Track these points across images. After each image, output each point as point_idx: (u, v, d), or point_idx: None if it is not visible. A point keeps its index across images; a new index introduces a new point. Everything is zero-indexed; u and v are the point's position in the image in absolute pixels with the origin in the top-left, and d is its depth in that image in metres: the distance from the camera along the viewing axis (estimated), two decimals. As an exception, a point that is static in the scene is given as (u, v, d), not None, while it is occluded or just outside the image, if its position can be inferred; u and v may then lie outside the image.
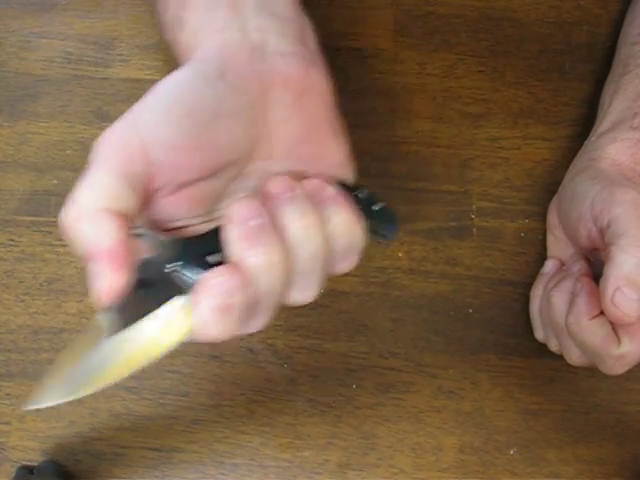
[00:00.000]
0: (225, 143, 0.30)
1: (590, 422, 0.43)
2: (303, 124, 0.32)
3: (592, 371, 0.38)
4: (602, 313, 0.36)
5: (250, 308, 0.28)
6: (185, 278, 0.28)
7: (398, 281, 0.45)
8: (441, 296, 0.45)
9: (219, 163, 0.30)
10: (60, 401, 0.28)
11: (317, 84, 0.32)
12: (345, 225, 0.30)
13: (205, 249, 0.29)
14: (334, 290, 0.44)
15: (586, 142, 0.45)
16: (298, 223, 0.29)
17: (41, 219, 0.45)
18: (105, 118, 0.46)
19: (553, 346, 0.41)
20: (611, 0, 0.52)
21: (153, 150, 0.28)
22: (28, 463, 0.40)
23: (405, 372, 0.43)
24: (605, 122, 0.43)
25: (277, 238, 0.28)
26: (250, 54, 0.30)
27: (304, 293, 0.31)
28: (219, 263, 0.28)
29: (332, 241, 0.30)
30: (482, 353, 0.44)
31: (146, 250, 0.29)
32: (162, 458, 0.41)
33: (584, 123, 0.48)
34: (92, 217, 0.26)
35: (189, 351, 0.43)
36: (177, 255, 0.28)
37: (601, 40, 0.51)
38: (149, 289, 0.28)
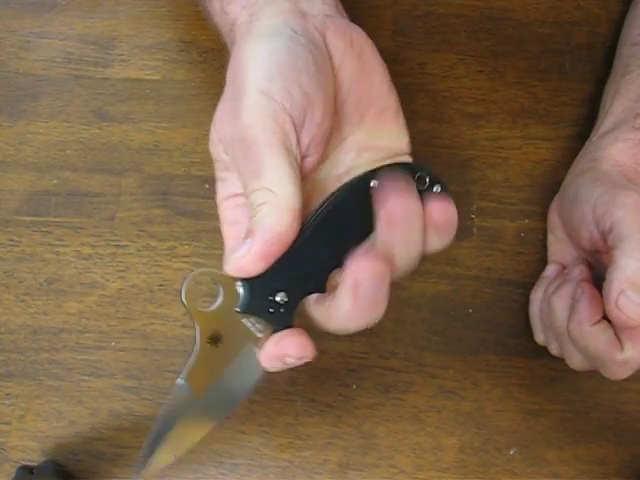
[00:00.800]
0: (330, 93, 0.33)
1: (590, 422, 0.43)
2: (358, 70, 0.34)
3: (592, 371, 0.38)
4: (604, 318, 0.36)
5: None
6: (249, 325, 0.30)
7: (398, 281, 0.45)
8: (441, 296, 0.44)
9: (330, 116, 0.33)
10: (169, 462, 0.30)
11: (362, 36, 0.35)
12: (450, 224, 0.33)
13: (270, 287, 0.30)
14: (334, 290, 0.44)
15: (587, 142, 0.44)
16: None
17: (41, 219, 0.45)
18: (105, 118, 0.46)
19: (554, 349, 0.41)
20: (611, 0, 0.52)
21: (295, 114, 0.31)
22: (28, 463, 0.40)
23: (405, 372, 0.43)
24: (606, 122, 0.43)
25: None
26: (303, 17, 0.34)
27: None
28: (285, 303, 0.30)
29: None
30: (482, 353, 0.44)
31: (217, 295, 0.30)
32: (162, 458, 0.41)
33: (584, 123, 0.48)
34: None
35: (189, 351, 0.42)
36: (244, 296, 0.30)
37: (601, 40, 0.51)
38: (222, 340, 0.30)
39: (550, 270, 0.43)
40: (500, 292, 0.45)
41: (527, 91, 0.49)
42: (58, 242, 0.44)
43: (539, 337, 0.42)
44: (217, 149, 0.34)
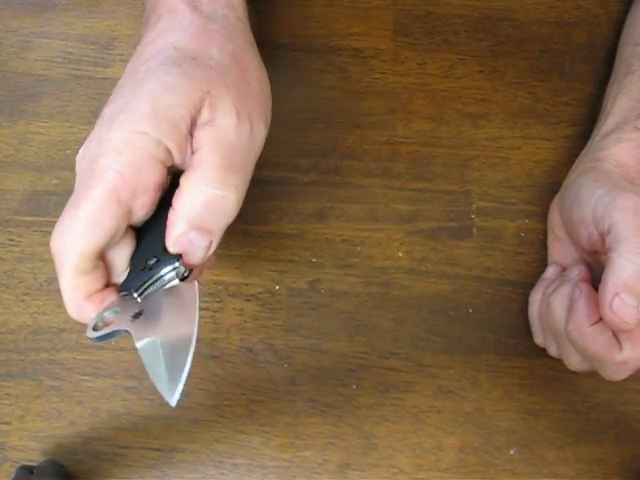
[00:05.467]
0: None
1: (590, 422, 0.43)
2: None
3: (592, 372, 0.38)
4: (602, 319, 0.36)
5: None
6: (154, 289, 0.33)
7: (398, 281, 0.45)
8: (441, 296, 0.44)
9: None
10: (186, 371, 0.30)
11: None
12: None
13: (139, 265, 0.33)
14: (334, 290, 0.44)
15: (589, 142, 0.44)
16: None
17: (41, 219, 0.45)
18: (105, 118, 0.46)
19: (553, 351, 0.41)
20: (611, 0, 0.52)
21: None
22: (28, 463, 0.40)
23: (405, 372, 0.43)
24: (608, 122, 0.43)
25: None
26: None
27: None
28: (157, 260, 0.32)
29: None
30: (482, 353, 0.43)
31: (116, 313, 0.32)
32: (162, 458, 0.41)
33: (584, 123, 0.48)
34: None
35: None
36: (131, 286, 0.33)
37: (601, 40, 0.51)
38: (142, 311, 0.32)
39: (550, 272, 0.43)
40: (500, 292, 0.45)
41: (527, 91, 0.49)
42: (58, 242, 0.44)
43: (538, 339, 0.42)
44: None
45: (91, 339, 0.31)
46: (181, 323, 0.31)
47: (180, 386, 0.29)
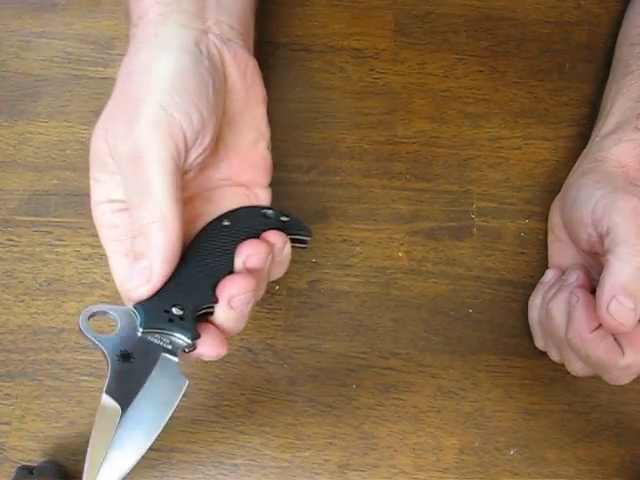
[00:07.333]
0: (219, 118, 0.35)
1: (590, 422, 0.43)
2: (245, 101, 0.37)
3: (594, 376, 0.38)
4: (600, 322, 0.35)
5: None
6: (155, 340, 0.32)
7: (398, 281, 0.45)
8: (441, 296, 0.44)
9: (215, 140, 0.35)
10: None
11: (255, 69, 0.38)
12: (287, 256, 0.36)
13: (164, 303, 0.32)
14: (334, 290, 0.44)
15: (590, 143, 0.44)
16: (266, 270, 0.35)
17: (41, 219, 0.45)
18: (105, 118, 0.46)
19: (554, 356, 0.41)
20: (611, 0, 0.52)
21: (189, 135, 0.33)
22: (28, 463, 0.40)
23: (405, 372, 0.43)
24: (608, 123, 0.43)
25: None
26: (205, 34, 0.36)
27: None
28: (181, 315, 0.32)
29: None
30: (482, 353, 0.43)
31: (116, 322, 0.32)
32: (162, 458, 0.41)
33: (584, 123, 0.48)
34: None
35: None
36: (142, 317, 0.32)
37: (601, 40, 0.51)
38: (133, 358, 0.31)
39: (549, 276, 0.43)
40: (500, 292, 0.45)
41: (527, 91, 0.49)
42: (58, 242, 0.44)
43: (539, 343, 0.42)
44: (100, 146, 0.34)
45: (80, 328, 0.31)
46: (152, 416, 0.31)
47: None
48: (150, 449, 0.40)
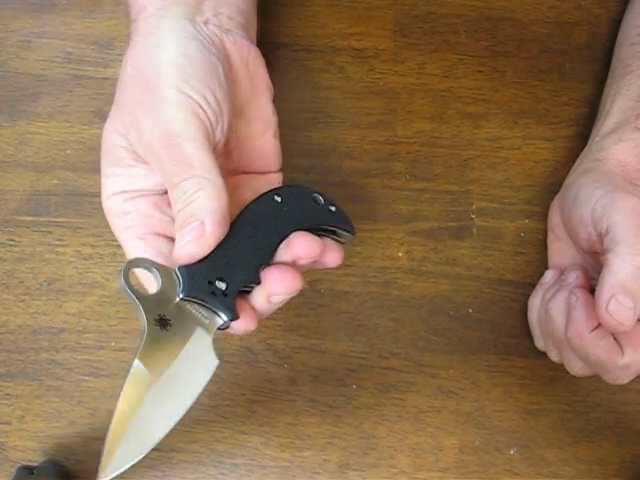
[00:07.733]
0: (232, 104, 0.35)
1: (590, 422, 0.43)
2: (250, 90, 0.37)
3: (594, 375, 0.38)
4: (599, 321, 0.35)
5: None
6: (194, 311, 0.31)
7: (398, 281, 0.45)
8: (441, 296, 0.45)
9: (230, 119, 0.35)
10: (136, 461, 0.29)
11: (258, 58, 0.37)
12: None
13: (209, 274, 0.31)
14: (334, 290, 0.44)
15: (589, 142, 0.44)
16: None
17: (41, 219, 0.45)
18: (105, 118, 0.46)
19: (554, 356, 0.41)
20: (611, 0, 0.52)
21: (210, 116, 0.32)
22: (28, 463, 0.40)
23: (405, 372, 0.43)
24: (608, 123, 0.43)
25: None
26: (206, 25, 0.35)
27: None
28: (224, 290, 0.31)
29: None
30: (482, 353, 0.44)
31: (156, 282, 0.31)
32: (162, 458, 0.41)
33: (584, 123, 0.48)
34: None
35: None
36: (185, 281, 0.31)
37: (601, 40, 0.51)
38: (170, 325, 0.30)
39: (548, 276, 0.43)
40: (500, 292, 0.45)
41: (527, 91, 0.49)
42: (58, 242, 0.44)
43: (539, 343, 0.42)
44: (115, 140, 0.34)
45: (121, 282, 0.30)
46: (181, 394, 0.30)
47: (121, 470, 0.28)
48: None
